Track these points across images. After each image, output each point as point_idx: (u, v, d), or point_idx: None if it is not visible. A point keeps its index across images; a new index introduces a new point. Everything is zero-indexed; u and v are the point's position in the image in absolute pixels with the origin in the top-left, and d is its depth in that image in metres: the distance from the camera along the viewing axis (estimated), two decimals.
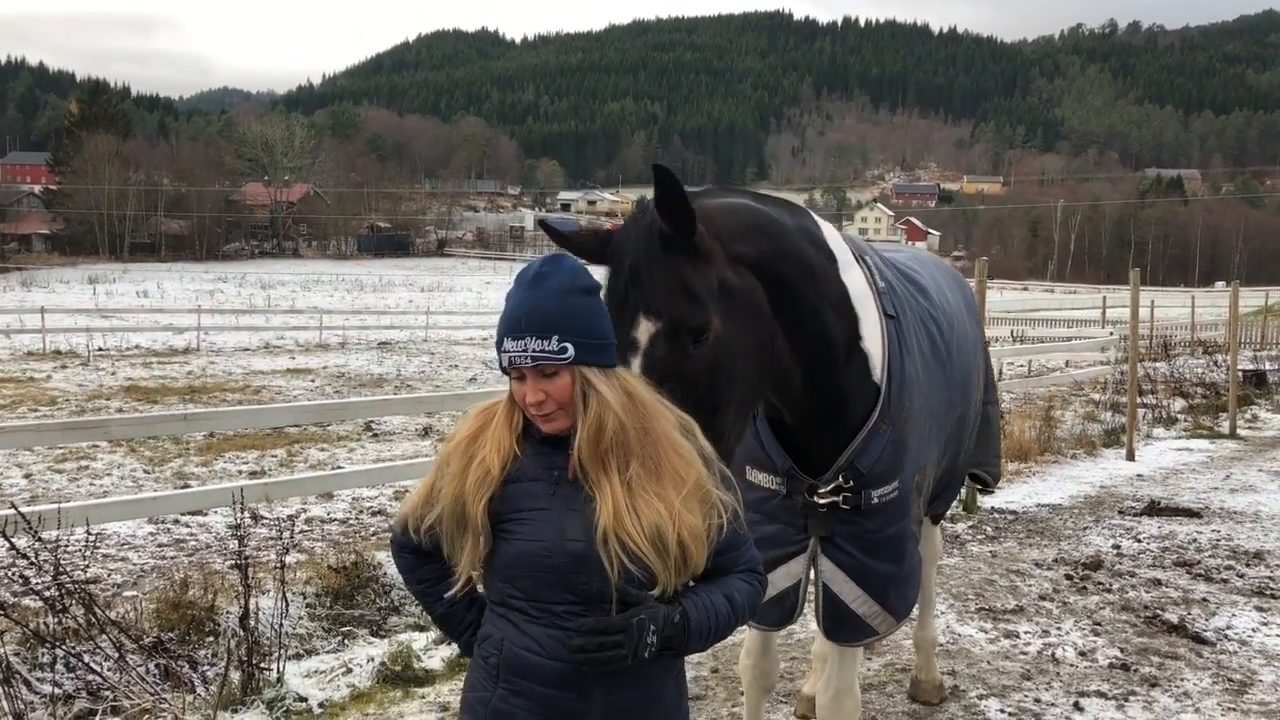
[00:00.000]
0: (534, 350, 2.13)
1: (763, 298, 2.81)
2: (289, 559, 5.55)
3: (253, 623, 4.83)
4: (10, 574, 5.49)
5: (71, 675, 4.60)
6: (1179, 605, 6.42)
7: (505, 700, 2.21)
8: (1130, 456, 11.69)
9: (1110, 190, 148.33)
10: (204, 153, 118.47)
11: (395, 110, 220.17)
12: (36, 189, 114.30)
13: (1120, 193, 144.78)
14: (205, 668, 4.94)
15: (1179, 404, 15.38)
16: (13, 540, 4.59)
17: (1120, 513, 8.99)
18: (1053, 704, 4.91)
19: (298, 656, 5.21)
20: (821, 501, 3.26)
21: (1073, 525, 8.53)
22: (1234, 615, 6.24)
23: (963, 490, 7.58)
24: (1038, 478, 10.54)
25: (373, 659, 5.13)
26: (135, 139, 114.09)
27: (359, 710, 4.72)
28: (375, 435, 14.69)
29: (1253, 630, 5.99)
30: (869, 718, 4.75)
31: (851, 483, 3.23)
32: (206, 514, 9.06)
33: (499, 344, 2.19)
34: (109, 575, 7.34)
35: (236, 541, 5.10)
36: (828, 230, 3.30)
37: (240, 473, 11.76)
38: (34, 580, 4.76)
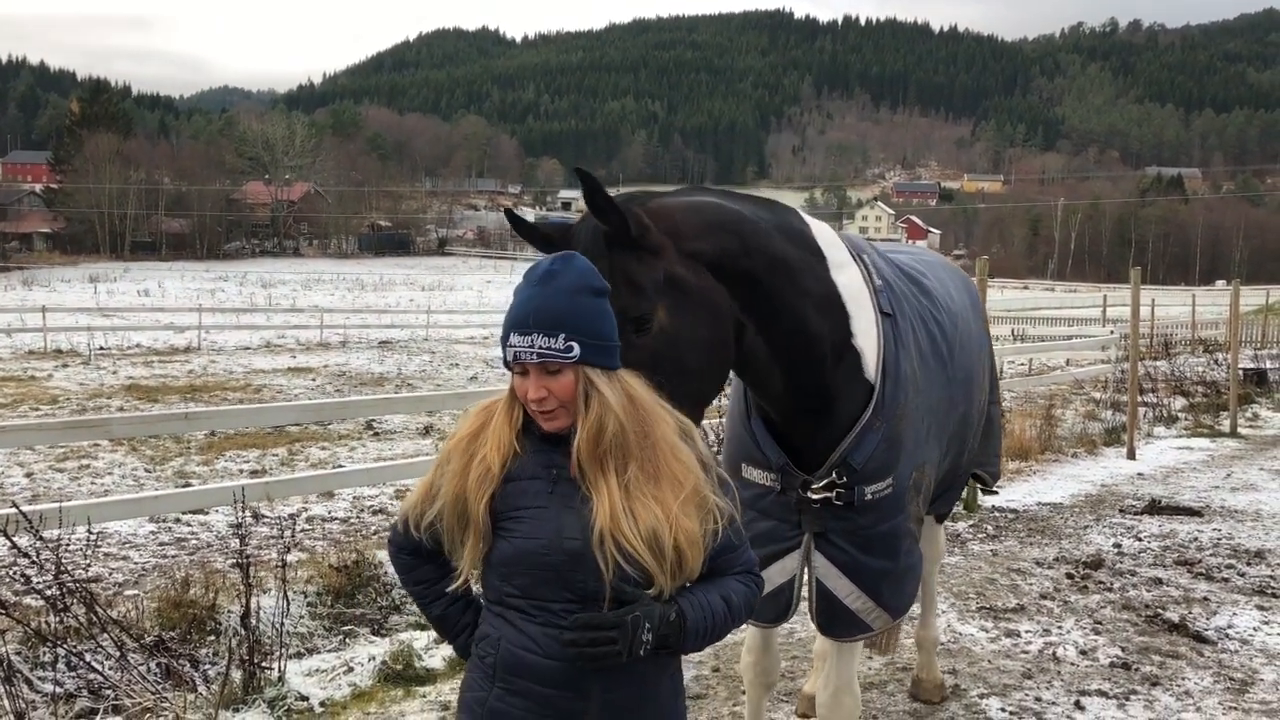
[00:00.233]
0: (540, 347, 2.14)
1: (722, 296, 2.84)
2: (290, 558, 5.56)
3: (254, 621, 4.82)
4: (12, 573, 5.50)
5: (73, 674, 4.61)
6: (1180, 604, 6.42)
7: (502, 699, 2.21)
8: (1131, 455, 11.69)
9: (1111, 189, 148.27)
10: (205, 152, 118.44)
11: (396, 109, 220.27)
12: (37, 188, 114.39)
13: (1121, 191, 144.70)
14: (206, 666, 4.95)
15: (1180, 403, 15.38)
16: (14, 539, 4.60)
17: (1121, 511, 8.99)
18: (1054, 703, 4.91)
19: (299, 655, 5.21)
20: (815, 497, 3.28)
21: (1074, 524, 8.53)
22: (1235, 614, 6.24)
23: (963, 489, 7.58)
24: (1038, 476, 10.54)
25: (374, 658, 5.13)
26: (136, 138, 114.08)
27: (360, 709, 4.73)
28: (376, 434, 14.69)
29: (1254, 629, 5.99)
30: (870, 716, 4.75)
31: (844, 479, 3.25)
32: (208, 513, 9.07)
33: (505, 338, 2.20)
34: (110, 574, 7.34)
35: (238, 540, 5.11)
36: (818, 229, 3.32)
37: (241, 471, 11.76)
38: (35, 579, 4.77)
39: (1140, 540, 7.97)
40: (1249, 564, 7.34)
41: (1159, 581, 6.89)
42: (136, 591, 6.47)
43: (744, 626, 3.88)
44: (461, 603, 2.43)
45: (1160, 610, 6.25)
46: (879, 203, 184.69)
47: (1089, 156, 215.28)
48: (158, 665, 4.77)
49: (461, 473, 2.23)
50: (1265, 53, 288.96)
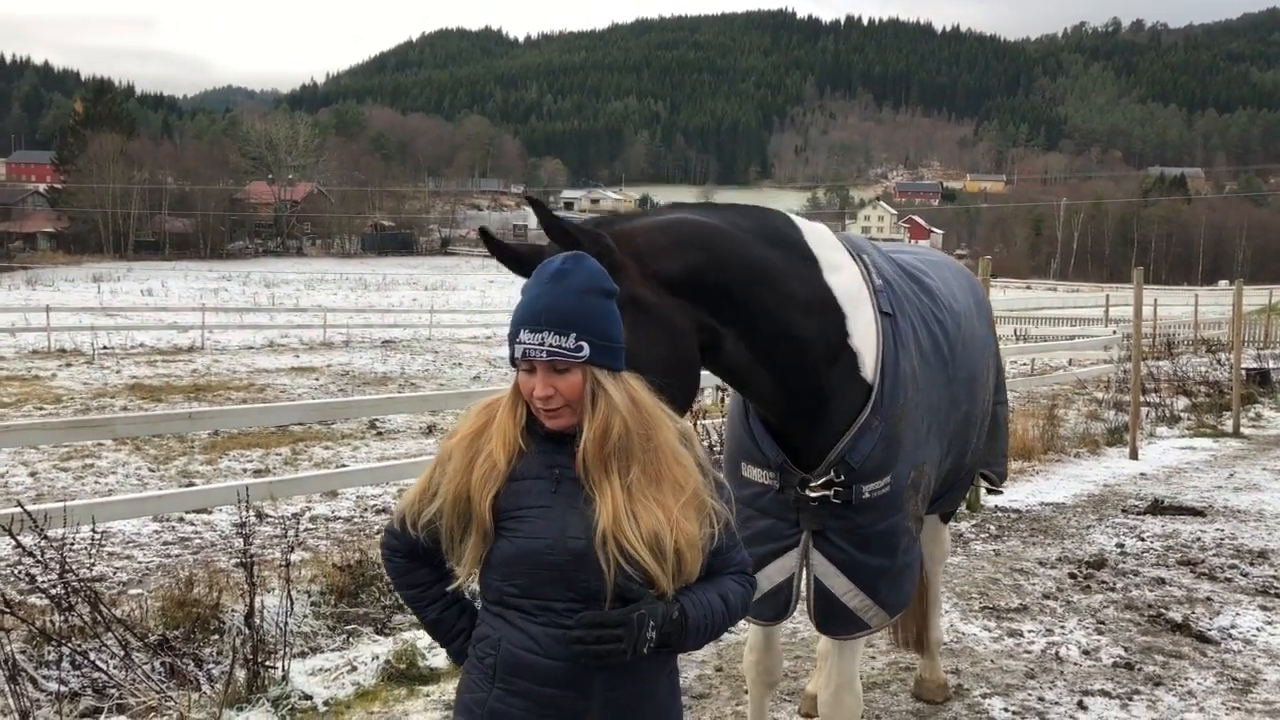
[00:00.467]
0: (551, 345, 2.15)
1: (682, 314, 2.86)
2: (294, 557, 5.56)
3: (258, 621, 4.83)
4: (17, 572, 5.51)
5: (77, 673, 4.62)
6: (1183, 604, 6.42)
7: (502, 700, 2.21)
8: (1134, 455, 11.67)
9: (1113, 189, 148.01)
10: (208, 151, 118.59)
11: (399, 109, 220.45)
12: (41, 188, 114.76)
13: (1124, 191, 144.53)
14: (210, 665, 4.96)
15: (1182, 403, 15.36)
16: (19, 538, 4.61)
17: (1124, 511, 8.98)
18: (1056, 703, 4.92)
19: (303, 654, 5.22)
20: (812, 495, 3.30)
21: (1076, 524, 8.52)
22: (1238, 614, 6.24)
23: None
24: (1041, 476, 10.53)
25: (377, 657, 5.14)
26: (140, 138, 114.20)
27: (364, 708, 4.74)
28: (379, 433, 14.71)
29: (1257, 629, 5.98)
30: (873, 716, 4.75)
31: (842, 477, 3.27)
32: (211, 512, 9.08)
33: (514, 335, 2.20)
34: (114, 573, 7.35)
35: (241, 540, 5.11)
36: (811, 231, 3.34)
37: (245, 471, 11.77)
38: (40, 578, 4.78)
39: (1143, 540, 7.97)
40: (1252, 564, 7.34)
41: (1162, 581, 6.88)
42: (141, 591, 6.49)
43: (747, 626, 3.89)
44: (456, 607, 2.42)
45: (1163, 610, 6.25)
46: (881, 203, 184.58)
47: (1092, 156, 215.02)
48: (162, 664, 4.78)
49: (465, 470, 2.24)
50: (1268, 52, 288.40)
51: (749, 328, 3.05)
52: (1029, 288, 78.00)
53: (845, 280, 3.28)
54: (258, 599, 4.91)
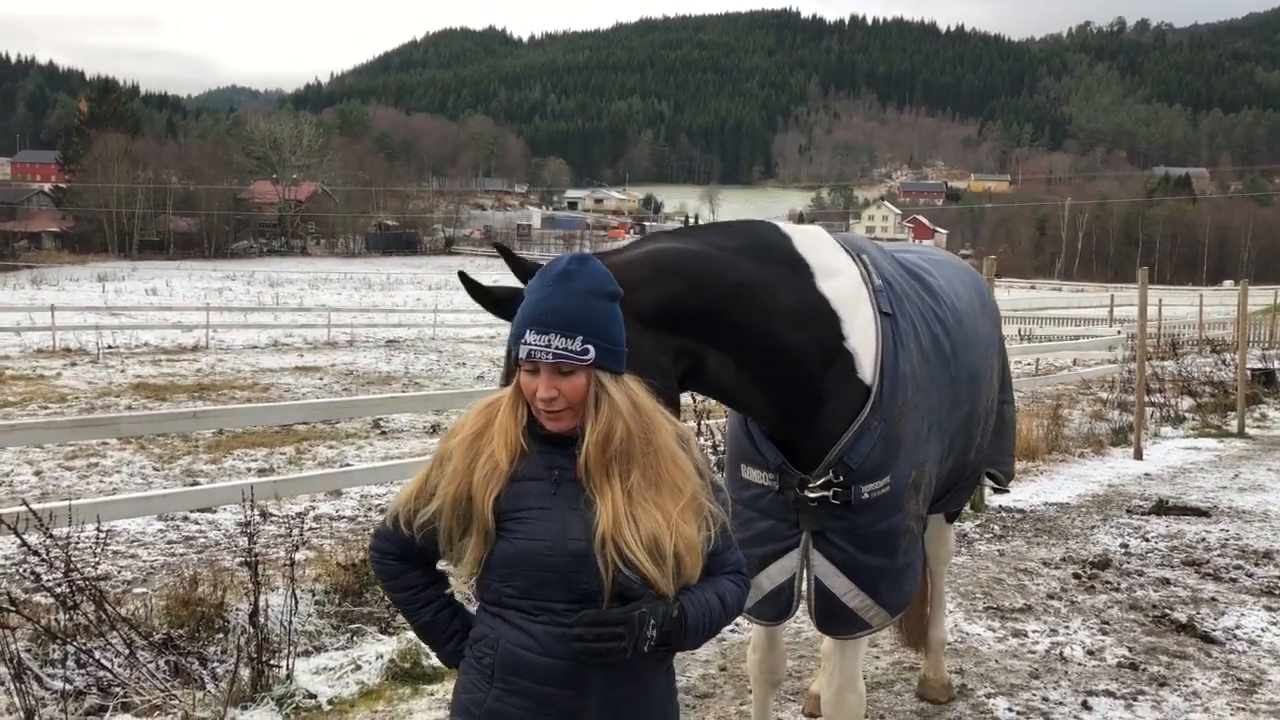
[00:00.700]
0: (556, 347, 2.15)
1: (652, 343, 2.85)
2: (298, 556, 5.58)
3: (262, 620, 4.84)
4: (22, 570, 5.53)
5: (82, 671, 4.63)
6: (1187, 604, 6.41)
7: (501, 700, 2.21)
8: (1138, 455, 11.66)
9: (1118, 189, 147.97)
10: (212, 151, 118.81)
11: (403, 109, 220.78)
12: (46, 187, 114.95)
13: (1128, 191, 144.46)
14: (215, 664, 4.97)
15: (1187, 403, 15.33)
16: (24, 537, 4.62)
17: (1128, 512, 8.97)
18: (1061, 703, 4.91)
19: (307, 653, 5.23)
20: (812, 496, 3.30)
21: (1080, 524, 8.51)
22: (1243, 615, 6.23)
23: None
24: (1045, 476, 10.52)
25: (382, 656, 5.14)
26: (144, 137, 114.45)
27: (368, 707, 4.74)
28: (383, 433, 14.71)
29: (1262, 630, 5.97)
30: (877, 715, 4.75)
31: (841, 478, 3.28)
32: (216, 511, 9.08)
33: (518, 335, 2.20)
34: (119, 572, 7.36)
35: (246, 539, 5.12)
36: (804, 238, 3.34)
37: (249, 470, 11.78)
38: (45, 577, 4.79)
39: (1147, 540, 7.96)
40: (1257, 564, 7.33)
41: (1166, 582, 6.87)
42: (145, 589, 6.49)
43: (750, 625, 3.89)
44: (450, 609, 2.42)
45: (1168, 610, 6.24)
46: (885, 202, 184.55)
47: (1096, 156, 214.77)
48: (166, 663, 4.79)
49: (465, 471, 2.23)
50: (1273, 52, 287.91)
51: (735, 344, 3.07)
52: (1033, 288, 77.89)
53: (841, 284, 3.28)
54: (262, 598, 4.91)
